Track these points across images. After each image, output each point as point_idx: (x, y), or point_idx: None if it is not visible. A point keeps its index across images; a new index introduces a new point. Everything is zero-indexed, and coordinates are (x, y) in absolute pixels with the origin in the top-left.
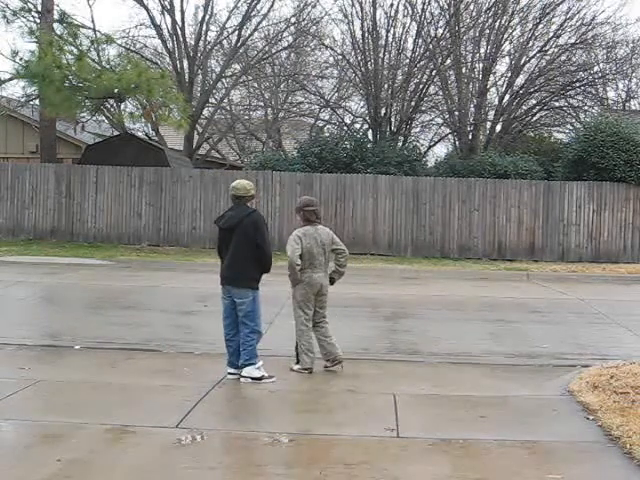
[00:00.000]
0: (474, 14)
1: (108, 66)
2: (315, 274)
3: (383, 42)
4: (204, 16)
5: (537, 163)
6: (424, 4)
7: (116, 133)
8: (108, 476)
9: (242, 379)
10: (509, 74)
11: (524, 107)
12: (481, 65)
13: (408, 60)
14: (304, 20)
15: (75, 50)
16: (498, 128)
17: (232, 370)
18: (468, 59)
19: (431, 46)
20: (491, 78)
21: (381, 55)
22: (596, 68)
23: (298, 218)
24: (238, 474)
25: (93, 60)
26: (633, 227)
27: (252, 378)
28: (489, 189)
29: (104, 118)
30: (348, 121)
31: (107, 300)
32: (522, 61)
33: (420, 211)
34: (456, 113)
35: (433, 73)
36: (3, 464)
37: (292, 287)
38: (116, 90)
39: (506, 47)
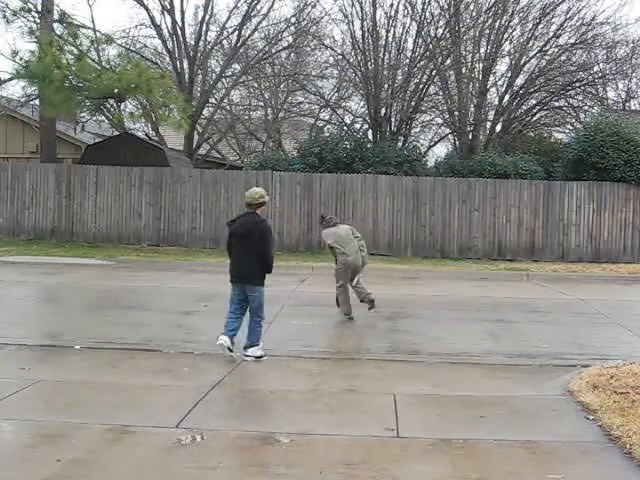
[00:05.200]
0: (474, 14)
1: (108, 66)
2: None
3: (383, 42)
4: (204, 16)
5: (537, 163)
6: (424, 4)
7: (116, 133)
8: (108, 476)
9: (246, 357)
10: (509, 74)
11: (524, 107)
12: (481, 65)
13: (408, 60)
14: (304, 20)
15: (75, 50)
16: (498, 128)
17: (224, 337)
18: (468, 59)
19: (431, 46)
20: (491, 78)
21: (381, 55)
22: (596, 68)
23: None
24: (238, 474)
25: (93, 60)
26: (633, 227)
27: (256, 357)
28: (489, 189)
29: (104, 118)
30: (348, 121)
31: (107, 300)
32: (522, 61)
33: (420, 211)
34: (456, 113)
35: (433, 73)
36: (3, 464)
37: None
38: (116, 90)
39: (506, 47)
